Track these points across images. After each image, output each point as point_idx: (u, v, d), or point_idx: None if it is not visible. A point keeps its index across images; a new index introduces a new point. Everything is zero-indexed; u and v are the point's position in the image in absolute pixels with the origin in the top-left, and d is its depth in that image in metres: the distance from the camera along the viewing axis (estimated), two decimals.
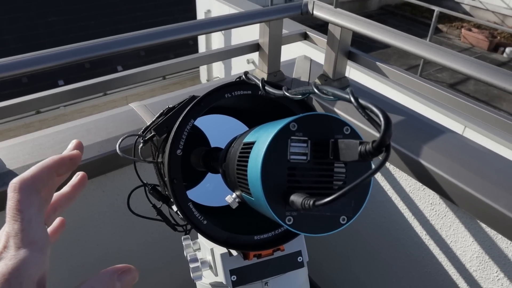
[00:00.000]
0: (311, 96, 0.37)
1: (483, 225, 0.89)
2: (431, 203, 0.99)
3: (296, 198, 0.27)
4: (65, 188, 0.40)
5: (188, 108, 0.44)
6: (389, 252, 1.18)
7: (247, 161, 0.32)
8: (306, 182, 0.29)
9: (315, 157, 0.30)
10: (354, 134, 0.30)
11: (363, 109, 0.25)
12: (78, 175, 0.41)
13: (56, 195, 0.38)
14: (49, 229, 0.40)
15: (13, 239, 0.29)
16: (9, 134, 5.05)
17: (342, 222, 0.30)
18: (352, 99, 0.25)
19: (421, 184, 0.98)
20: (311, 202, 0.25)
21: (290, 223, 0.29)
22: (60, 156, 0.35)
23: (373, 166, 0.31)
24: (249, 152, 0.32)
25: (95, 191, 1.03)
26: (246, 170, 0.32)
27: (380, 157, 0.24)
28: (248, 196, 0.33)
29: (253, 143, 0.32)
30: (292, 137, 0.29)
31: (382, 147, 0.23)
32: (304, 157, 0.29)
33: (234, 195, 0.39)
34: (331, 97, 0.28)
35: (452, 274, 1.01)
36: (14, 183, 0.31)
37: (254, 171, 0.29)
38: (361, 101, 0.25)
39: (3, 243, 0.29)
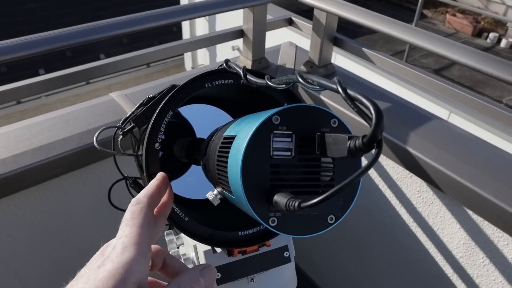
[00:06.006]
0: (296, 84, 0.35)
1: (470, 212, 0.89)
2: (418, 191, 0.98)
3: (280, 199, 0.25)
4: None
5: (166, 99, 0.41)
6: (376, 240, 1.17)
7: (227, 157, 0.29)
8: (291, 180, 0.27)
9: (300, 153, 0.27)
10: (342, 127, 0.28)
11: (352, 100, 0.23)
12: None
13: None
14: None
15: (122, 239, 0.32)
16: None
17: (330, 222, 0.27)
18: (340, 89, 0.23)
19: (408, 171, 0.97)
20: (296, 204, 0.23)
21: (274, 224, 0.27)
22: (160, 178, 0.39)
23: (362, 161, 0.29)
24: (229, 147, 0.29)
25: (76, 184, 0.99)
26: (226, 167, 0.29)
27: (372, 153, 0.22)
28: (229, 194, 0.31)
29: (233, 137, 0.30)
30: (275, 131, 0.27)
31: (373, 142, 0.21)
32: (288, 153, 0.27)
33: (215, 191, 0.36)
34: (317, 87, 0.26)
35: (439, 260, 1.01)
36: (133, 199, 0.36)
37: (234, 168, 0.27)
38: (349, 91, 0.23)
39: (113, 245, 0.32)
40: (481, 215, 0.85)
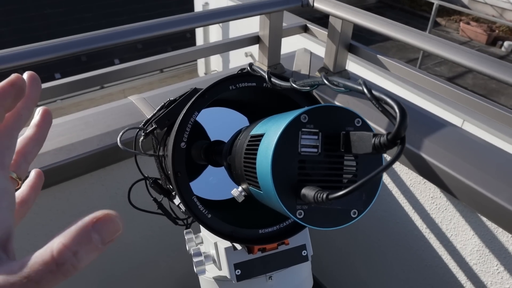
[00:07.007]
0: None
1: (484, 219, 0.89)
2: (431, 197, 0.99)
3: (308, 192, 0.26)
4: (29, 130, 0.34)
5: (193, 100, 0.43)
6: (389, 246, 1.18)
7: (255, 154, 0.31)
8: (317, 175, 0.29)
9: (326, 150, 0.29)
10: (365, 126, 0.29)
11: (377, 100, 0.24)
12: (39, 111, 0.35)
13: (21, 140, 0.33)
14: (26, 183, 0.36)
15: None
16: None
17: (353, 216, 0.29)
18: (365, 90, 0.25)
19: (421, 177, 0.98)
20: (325, 196, 0.24)
21: (301, 216, 0.28)
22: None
23: (383, 159, 0.31)
24: (257, 145, 0.31)
25: (95, 184, 1.02)
26: (254, 163, 0.31)
27: (387, 153, 0.23)
28: (256, 189, 0.33)
29: (261, 135, 0.31)
30: (303, 129, 0.29)
31: (397, 139, 0.23)
32: (315, 150, 0.29)
33: (240, 188, 0.38)
34: (342, 89, 0.28)
35: (452, 267, 1.01)
36: None
37: (264, 164, 0.29)
38: (374, 92, 0.24)
39: None
40: (495, 222, 0.85)
